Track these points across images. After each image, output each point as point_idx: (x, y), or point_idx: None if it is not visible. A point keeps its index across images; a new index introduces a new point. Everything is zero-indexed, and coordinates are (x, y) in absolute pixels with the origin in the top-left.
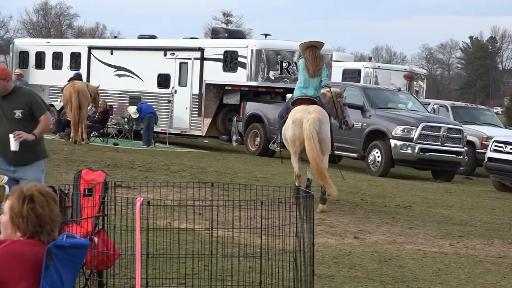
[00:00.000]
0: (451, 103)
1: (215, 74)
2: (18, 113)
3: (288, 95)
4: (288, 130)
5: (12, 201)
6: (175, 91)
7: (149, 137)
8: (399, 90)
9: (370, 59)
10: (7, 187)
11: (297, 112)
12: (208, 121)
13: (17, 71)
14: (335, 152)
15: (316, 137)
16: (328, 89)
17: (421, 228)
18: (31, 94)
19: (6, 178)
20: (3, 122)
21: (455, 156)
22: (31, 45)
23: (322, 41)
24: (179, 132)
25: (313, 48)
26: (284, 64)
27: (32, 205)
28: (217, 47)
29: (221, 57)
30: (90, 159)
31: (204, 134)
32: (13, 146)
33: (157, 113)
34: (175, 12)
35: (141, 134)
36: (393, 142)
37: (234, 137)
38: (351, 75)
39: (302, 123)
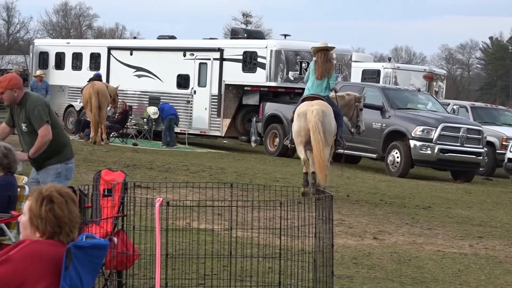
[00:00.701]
0: (471, 103)
1: (235, 74)
2: (24, 126)
3: None
4: (294, 124)
5: (31, 201)
6: (195, 92)
7: (170, 138)
8: (419, 90)
9: (389, 59)
10: (26, 187)
11: (301, 107)
12: (227, 121)
13: (38, 72)
14: (353, 152)
15: (321, 128)
16: (349, 92)
17: (441, 229)
18: (31, 106)
19: (26, 178)
20: (19, 131)
21: (474, 156)
22: (51, 45)
23: (333, 45)
24: (198, 133)
25: (324, 52)
26: (303, 65)
27: (50, 206)
28: (236, 47)
29: (241, 57)
30: (109, 159)
31: (223, 135)
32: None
33: (168, 104)
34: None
35: (161, 135)
36: (412, 142)
37: (253, 138)
38: (371, 76)
39: (306, 115)
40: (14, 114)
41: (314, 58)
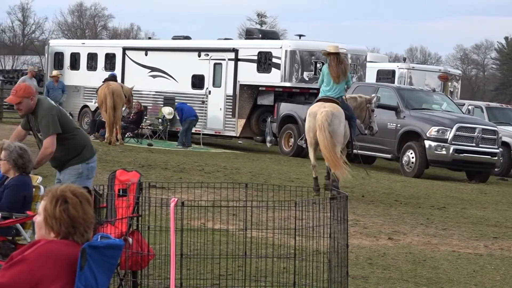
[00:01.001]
0: (486, 104)
1: (249, 75)
2: (39, 135)
3: None
4: (306, 123)
5: (46, 202)
6: (209, 92)
7: (186, 138)
8: (434, 91)
9: (404, 59)
10: (41, 187)
11: (313, 107)
12: (242, 122)
13: (55, 72)
14: (368, 152)
15: (327, 128)
16: (360, 94)
17: (456, 229)
18: (41, 115)
19: (40, 178)
20: (36, 137)
21: (489, 157)
22: (66, 46)
23: (343, 48)
24: (213, 133)
25: (336, 55)
26: (318, 65)
27: (65, 206)
28: (251, 48)
29: (255, 58)
30: (124, 159)
31: (238, 135)
32: None
33: (187, 105)
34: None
35: (176, 135)
36: (427, 143)
37: (269, 138)
38: (386, 76)
39: (316, 115)
40: (30, 121)
41: (327, 62)
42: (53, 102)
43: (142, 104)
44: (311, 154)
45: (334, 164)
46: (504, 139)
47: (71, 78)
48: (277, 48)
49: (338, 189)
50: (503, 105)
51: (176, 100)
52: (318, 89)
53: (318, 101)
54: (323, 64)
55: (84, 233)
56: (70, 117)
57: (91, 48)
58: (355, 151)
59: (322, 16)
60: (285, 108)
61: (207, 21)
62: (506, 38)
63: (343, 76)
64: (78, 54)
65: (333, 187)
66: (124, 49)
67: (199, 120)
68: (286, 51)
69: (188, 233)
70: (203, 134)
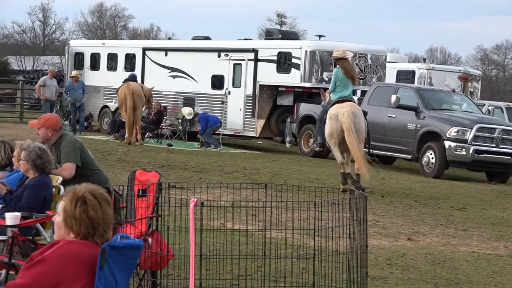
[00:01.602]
0: (506, 104)
1: (269, 75)
2: (58, 167)
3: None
4: (326, 126)
5: (65, 202)
6: (229, 92)
7: (212, 140)
8: (454, 91)
9: (424, 60)
10: (62, 187)
11: (332, 109)
12: (261, 122)
13: (74, 72)
14: (388, 153)
15: (354, 128)
16: None
17: (476, 230)
18: (64, 145)
19: (60, 178)
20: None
21: (510, 157)
22: (86, 46)
23: (350, 52)
24: (233, 133)
25: (346, 59)
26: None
27: (84, 207)
28: (271, 48)
29: (275, 58)
30: (144, 160)
31: (257, 135)
32: None
33: (211, 114)
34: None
35: (195, 135)
36: (447, 143)
37: (288, 138)
38: (405, 76)
39: (338, 117)
40: (52, 152)
41: (337, 66)
42: (78, 138)
43: (162, 104)
44: (337, 153)
45: (360, 164)
46: None
47: (91, 78)
48: (297, 49)
49: (363, 190)
50: None
51: (195, 101)
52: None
53: (335, 103)
54: None
55: (104, 234)
56: (92, 156)
57: (111, 49)
58: (371, 150)
59: (342, 17)
60: (304, 108)
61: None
62: None
63: (356, 78)
64: (98, 54)
65: (358, 189)
66: (144, 50)
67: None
68: (306, 51)
69: (207, 233)
70: (223, 134)
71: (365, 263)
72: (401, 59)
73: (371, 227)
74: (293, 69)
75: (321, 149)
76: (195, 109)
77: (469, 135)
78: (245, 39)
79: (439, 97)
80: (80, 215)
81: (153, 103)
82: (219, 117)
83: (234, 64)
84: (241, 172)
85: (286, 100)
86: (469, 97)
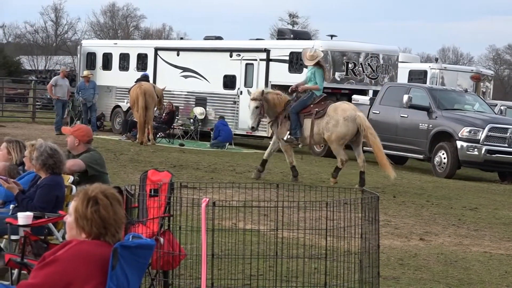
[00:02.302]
0: None
1: (281, 75)
2: (75, 175)
3: (355, 96)
4: (341, 128)
5: (77, 202)
6: (241, 92)
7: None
8: (466, 91)
9: (436, 60)
10: (74, 187)
11: (345, 110)
12: None
13: (85, 72)
14: (400, 153)
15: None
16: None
17: (488, 230)
18: (82, 155)
19: (72, 178)
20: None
21: None
22: (98, 46)
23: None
24: (245, 133)
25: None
26: (349, 65)
27: (96, 208)
28: (283, 48)
29: (287, 58)
30: (156, 159)
31: (269, 135)
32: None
33: (223, 114)
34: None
35: (207, 135)
36: (459, 143)
37: None
38: (417, 76)
39: (356, 119)
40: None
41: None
42: (103, 159)
43: (173, 104)
44: (343, 152)
45: (385, 163)
46: None
47: (103, 78)
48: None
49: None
50: None
51: (207, 101)
52: (350, 90)
53: (322, 99)
54: (355, 64)
55: (115, 234)
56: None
57: (123, 49)
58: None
59: (354, 17)
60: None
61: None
62: None
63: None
64: (110, 54)
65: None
66: (156, 50)
67: (231, 120)
68: None
69: (219, 233)
70: (235, 134)
71: (377, 263)
72: (413, 59)
73: (383, 227)
74: (305, 69)
75: (300, 144)
76: (207, 109)
77: (481, 135)
78: (257, 39)
79: (451, 97)
80: (91, 215)
81: (164, 104)
82: (232, 117)
83: (246, 64)
84: (253, 172)
85: None
86: (481, 97)
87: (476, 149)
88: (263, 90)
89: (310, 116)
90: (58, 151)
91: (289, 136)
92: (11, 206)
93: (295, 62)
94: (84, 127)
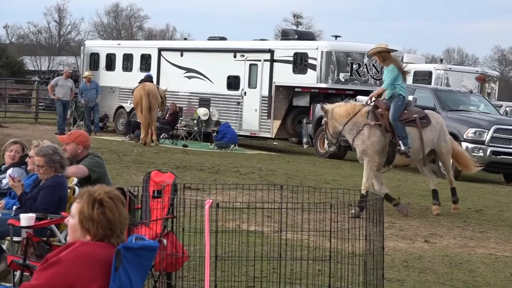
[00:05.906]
0: None
1: (285, 76)
2: (76, 181)
3: (359, 97)
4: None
5: (81, 204)
6: (245, 93)
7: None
8: (471, 92)
9: (441, 61)
10: (77, 188)
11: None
12: (277, 123)
13: (86, 73)
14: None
15: None
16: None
17: (493, 232)
18: (84, 160)
19: (75, 179)
20: None
21: None
22: (102, 47)
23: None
24: (249, 134)
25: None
26: (354, 66)
27: (102, 209)
28: (287, 48)
29: (291, 59)
30: (159, 160)
31: (273, 136)
32: None
33: (226, 115)
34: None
35: (210, 136)
36: (464, 144)
37: (305, 140)
38: (422, 77)
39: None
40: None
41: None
42: (104, 163)
43: (177, 105)
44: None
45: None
46: None
47: (107, 79)
48: (313, 49)
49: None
50: None
51: (211, 101)
52: (354, 90)
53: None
54: (359, 65)
55: (120, 235)
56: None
57: (127, 49)
58: None
59: (358, 17)
60: (320, 109)
61: (242, 22)
62: None
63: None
64: (114, 55)
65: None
66: (160, 50)
67: (235, 121)
68: (322, 52)
69: (222, 234)
70: (238, 135)
71: (382, 265)
72: (418, 59)
73: (387, 229)
74: (309, 70)
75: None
76: (210, 110)
77: (487, 136)
78: (261, 40)
79: (456, 98)
80: (98, 217)
81: (167, 104)
82: (235, 118)
83: (250, 65)
84: (257, 173)
85: (302, 101)
86: (487, 98)
87: (481, 151)
88: None
89: (413, 124)
90: (60, 149)
91: (403, 147)
92: (14, 207)
93: (299, 62)
94: (82, 132)
